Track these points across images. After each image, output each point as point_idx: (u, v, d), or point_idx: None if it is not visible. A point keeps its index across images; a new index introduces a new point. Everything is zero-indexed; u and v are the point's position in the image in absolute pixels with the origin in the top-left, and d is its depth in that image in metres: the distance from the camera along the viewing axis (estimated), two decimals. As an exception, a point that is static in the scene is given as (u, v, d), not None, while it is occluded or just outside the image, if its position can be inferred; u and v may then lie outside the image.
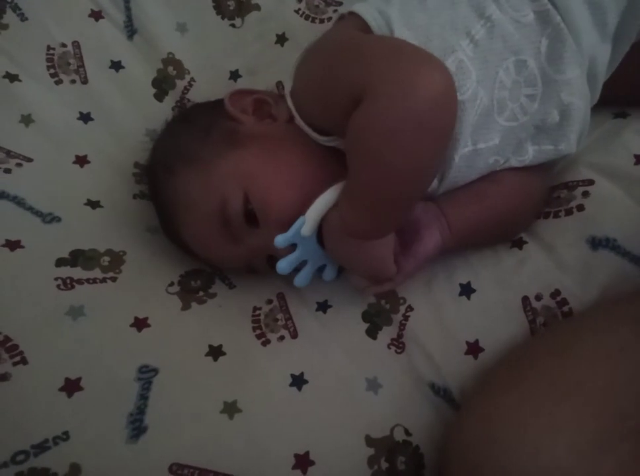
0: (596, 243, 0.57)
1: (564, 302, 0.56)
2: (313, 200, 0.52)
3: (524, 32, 0.54)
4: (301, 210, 0.53)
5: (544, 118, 0.56)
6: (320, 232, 0.54)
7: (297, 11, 0.75)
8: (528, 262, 0.59)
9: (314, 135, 0.56)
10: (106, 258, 0.62)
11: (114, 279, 0.61)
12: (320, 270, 0.59)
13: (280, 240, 0.53)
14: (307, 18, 0.75)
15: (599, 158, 0.62)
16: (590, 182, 0.60)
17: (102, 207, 0.67)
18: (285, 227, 0.53)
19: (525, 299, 0.57)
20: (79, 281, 0.59)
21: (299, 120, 0.57)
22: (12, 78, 0.71)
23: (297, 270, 0.56)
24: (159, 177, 0.61)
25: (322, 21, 0.75)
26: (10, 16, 0.72)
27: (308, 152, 0.56)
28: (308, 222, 0.52)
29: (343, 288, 0.60)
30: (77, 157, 0.70)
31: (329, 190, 0.52)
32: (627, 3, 0.55)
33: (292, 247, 0.54)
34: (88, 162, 0.70)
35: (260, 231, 0.56)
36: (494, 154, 0.57)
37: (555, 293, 0.56)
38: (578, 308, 0.55)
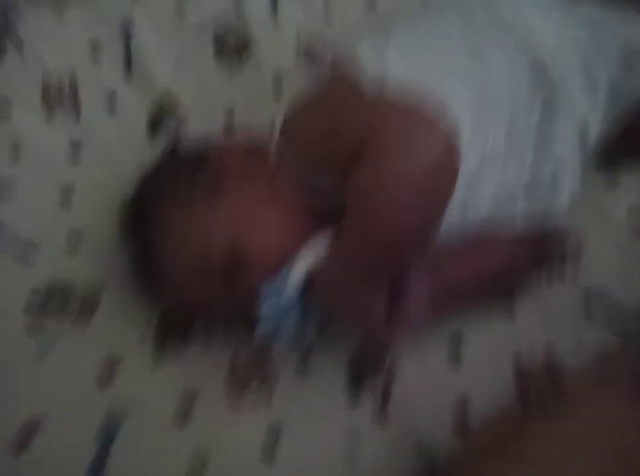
0: (590, 296, 0.56)
1: (555, 364, 0.54)
2: (300, 251, 0.51)
3: (519, 86, 0.54)
4: (287, 258, 0.51)
5: (537, 172, 0.55)
6: (306, 284, 0.52)
7: (295, 57, 0.74)
8: (521, 319, 0.57)
9: (303, 178, 0.55)
10: (82, 292, 0.60)
11: (89, 318, 0.58)
12: (303, 325, 0.55)
13: (264, 292, 0.51)
14: (303, 64, 0.74)
15: (591, 214, 0.60)
16: (582, 236, 0.59)
17: (84, 240, 0.65)
18: (269, 277, 0.51)
19: (516, 355, 0.55)
20: (51, 317, 0.57)
21: (287, 163, 0.56)
22: (5, 103, 0.71)
23: (278, 324, 0.54)
24: (142, 219, 0.59)
25: (320, 62, 0.74)
26: (8, 45, 0.73)
27: (295, 199, 0.55)
28: (294, 274, 0.51)
29: (328, 347, 0.58)
30: (64, 187, 0.68)
31: (316, 242, 0.51)
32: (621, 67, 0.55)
33: (275, 300, 0.52)
34: (74, 193, 0.68)
35: (242, 280, 0.54)
36: (485, 209, 0.55)
37: (548, 350, 0.54)
38: (573, 371, 0.53)
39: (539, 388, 0.53)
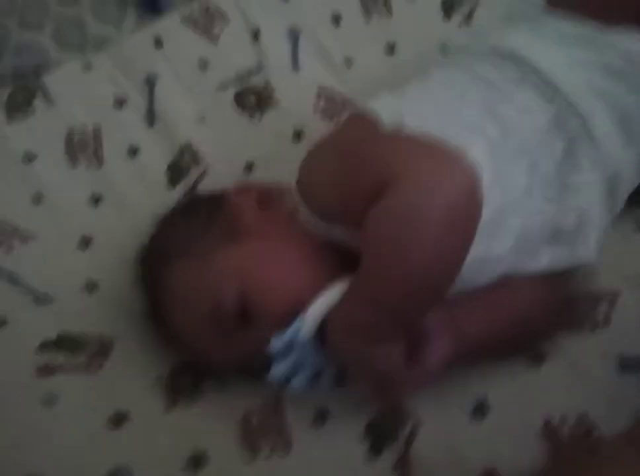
0: (625, 363, 0.52)
1: (591, 427, 0.50)
2: (312, 300, 0.49)
3: (538, 134, 0.53)
4: (299, 310, 0.49)
5: (560, 221, 0.54)
6: (319, 334, 0.50)
7: (314, 111, 0.75)
8: (550, 380, 0.54)
9: (317, 227, 0.54)
10: (94, 344, 0.59)
11: (98, 369, 0.57)
12: (317, 377, 0.53)
13: (276, 343, 0.49)
14: (324, 116, 0.75)
15: (624, 268, 0.58)
16: (616, 294, 0.56)
17: (100, 290, 0.65)
18: (281, 327, 0.49)
19: (546, 424, 0.51)
20: (61, 368, 0.55)
21: (303, 209, 0.55)
22: (32, 157, 0.72)
23: (291, 375, 0.52)
24: (154, 268, 0.58)
25: (338, 122, 0.75)
26: (38, 99, 0.75)
27: (309, 248, 0.54)
28: (307, 324, 0.49)
29: (347, 395, 0.55)
30: (83, 237, 0.69)
31: (330, 290, 0.49)
32: None
33: (287, 351, 0.50)
34: (93, 243, 0.69)
35: (254, 331, 0.52)
36: (506, 257, 0.54)
37: (582, 416, 0.51)
38: (607, 435, 0.49)
39: (570, 451, 0.50)
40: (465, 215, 0.45)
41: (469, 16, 0.77)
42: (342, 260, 0.51)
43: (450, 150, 0.46)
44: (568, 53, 0.56)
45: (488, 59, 0.58)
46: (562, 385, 0.53)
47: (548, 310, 0.56)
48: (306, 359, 0.51)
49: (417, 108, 0.54)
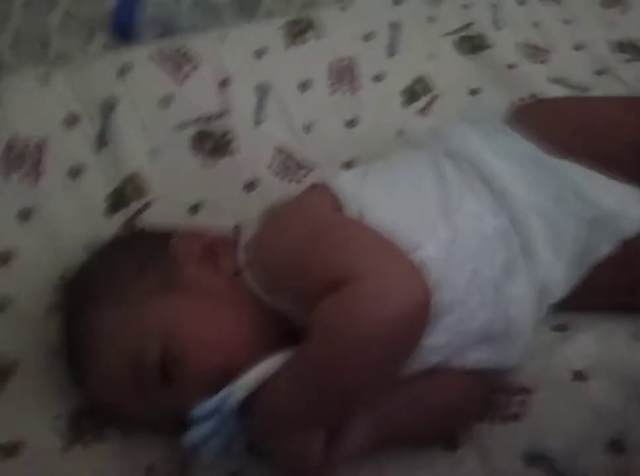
0: (531, 459, 0.54)
1: None
2: (245, 369, 0.47)
3: (483, 243, 0.56)
4: (226, 375, 0.48)
5: (490, 327, 0.56)
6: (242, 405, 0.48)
7: (269, 166, 0.76)
8: (460, 468, 0.55)
9: (260, 293, 0.54)
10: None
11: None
12: (230, 444, 0.51)
13: (200, 410, 0.47)
14: (276, 175, 0.76)
15: (538, 368, 0.60)
16: (528, 391, 0.58)
17: (7, 312, 0.60)
18: (202, 388, 0.48)
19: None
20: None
21: (246, 275, 0.54)
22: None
23: (205, 441, 0.49)
24: (79, 303, 0.56)
25: (290, 181, 0.76)
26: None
27: (246, 312, 0.53)
28: (235, 395, 0.47)
29: (257, 464, 0.53)
30: (3, 252, 0.65)
31: (264, 363, 0.48)
32: (585, 232, 0.58)
33: (208, 417, 0.47)
34: (13, 260, 0.65)
35: (174, 389, 0.50)
36: (436, 353, 0.55)
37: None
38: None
39: None
40: (412, 328, 0.46)
41: (426, 107, 0.82)
42: (280, 329, 0.51)
43: (408, 257, 0.48)
44: (523, 171, 0.59)
45: (448, 158, 0.61)
46: (473, 473, 0.54)
47: (468, 403, 0.58)
48: (224, 427, 0.48)
49: (376, 199, 0.56)
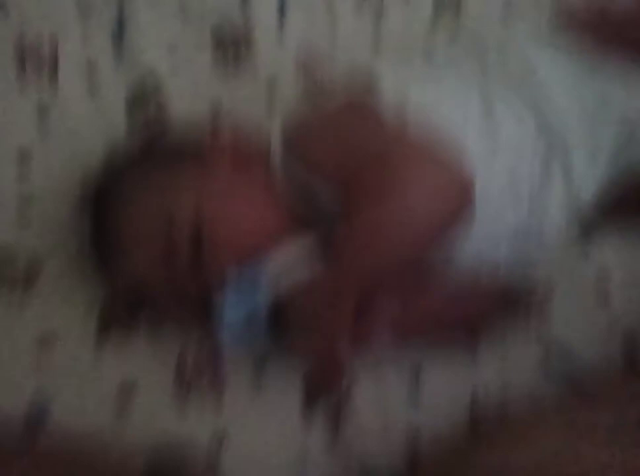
0: (550, 351, 0.57)
1: (510, 405, 0.55)
2: (273, 250, 0.49)
3: (522, 144, 0.55)
4: (256, 252, 0.49)
5: (522, 229, 0.57)
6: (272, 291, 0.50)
7: (294, 63, 0.73)
8: (481, 359, 0.57)
9: (297, 172, 0.54)
10: (24, 260, 0.54)
11: (26, 291, 0.55)
12: (253, 323, 0.53)
13: (228, 290, 0.49)
14: (303, 72, 0.73)
15: (563, 267, 0.62)
16: (551, 289, 0.61)
17: (34, 205, 0.61)
18: (230, 263, 0.49)
19: (474, 396, 0.55)
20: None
21: (278, 157, 0.55)
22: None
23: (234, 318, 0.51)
24: (106, 187, 0.56)
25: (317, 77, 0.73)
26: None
27: (277, 194, 0.54)
28: (263, 277, 0.49)
29: (284, 352, 0.55)
30: (23, 150, 0.64)
31: (292, 246, 0.49)
32: (625, 138, 0.57)
33: (237, 295, 0.49)
34: (32, 157, 0.64)
35: (201, 262, 0.51)
36: (466, 252, 0.56)
37: (503, 393, 0.55)
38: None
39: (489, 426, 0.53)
40: (452, 225, 0.49)
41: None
42: (314, 220, 0.52)
43: (452, 155, 0.48)
44: (567, 71, 0.57)
45: (490, 53, 0.59)
46: (491, 368, 0.57)
47: (493, 299, 0.60)
48: (251, 309, 0.50)
49: (422, 90, 0.55)
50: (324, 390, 0.55)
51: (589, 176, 0.57)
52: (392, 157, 0.49)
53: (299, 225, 0.52)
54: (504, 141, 0.54)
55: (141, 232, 0.52)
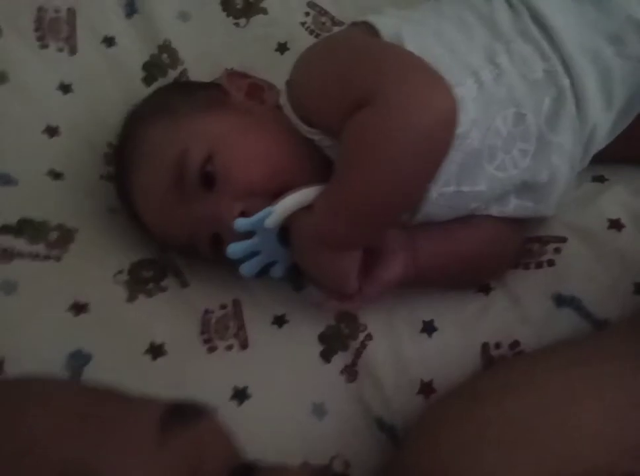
0: (561, 301, 0.57)
1: (521, 353, 0.54)
2: (284, 192, 0.50)
3: (530, 87, 0.54)
4: (265, 184, 0.51)
5: (533, 175, 0.56)
6: (282, 228, 0.51)
7: (302, 24, 0.74)
8: (492, 310, 0.58)
9: (300, 124, 0.55)
10: (55, 233, 0.59)
11: (58, 258, 0.57)
12: (270, 265, 0.55)
13: (241, 223, 0.50)
14: (311, 32, 0.74)
15: (574, 218, 0.61)
16: (563, 240, 0.60)
17: (64, 180, 0.64)
18: (242, 197, 0.51)
19: (484, 346, 0.55)
20: (20, 254, 0.55)
21: (288, 108, 0.56)
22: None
23: (246, 258, 0.52)
24: (129, 126, 0.59)
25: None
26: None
27: (287, 139, 0.55)
28: (275, 214, 0.50)
29: (303, 304, 0.58)
30: (48, 126, 0.67)
31: (304, 190, 0.50)
32: (636, 77, 0.56)
33: (248, 234, 0.51)
34: (59, 134, 0.67)
35: (213, 196, 0.52)
36: (476, 200, 0.56)
37: (514, 344, 0.55)
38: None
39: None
40: (438, 139, 0.46)
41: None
42: (318, 164, 0.53)
43: (438, 76, 0.47)
44: (580, 9, 0.56)
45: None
46: (502, 315, 0.57)
47: (505, 250, 0.59)
48: (264, 246, 0.52)
49: (419, 35, 0.54)
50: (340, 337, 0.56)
51: (600, 116, 0.56)
52: (378, 75, 0.47)
53: (308, 170, 0.53)
54: (506, 83, 0.53)
55: (156, 164, 0.54)
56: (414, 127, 0.45)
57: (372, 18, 0.55)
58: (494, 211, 0.58)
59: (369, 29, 0.55)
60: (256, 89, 0.59)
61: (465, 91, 0.52)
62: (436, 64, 0.50)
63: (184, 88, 0.61)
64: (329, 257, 0.50)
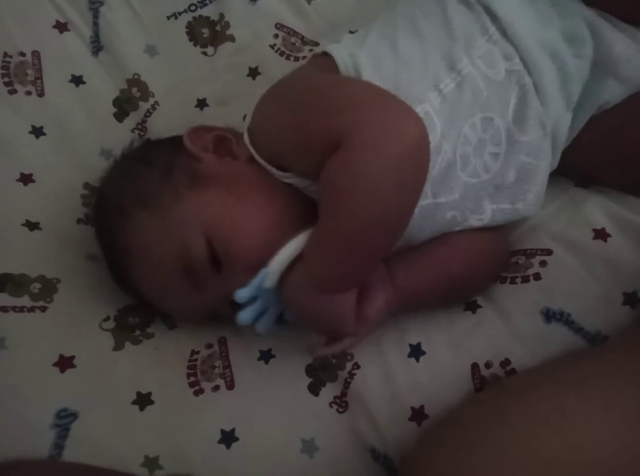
0: (550, 315, 0.56)
1: (512, 372, 0.54)
2: (279, 244, 0.50)
3: (494, 89, 0.54)
4: (268, 251, 0.50)
5: (504, 177, 0.56)
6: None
7: (272, 46, 0.73)
8: (481, 328, 0.57)
9: (274, 171, 0.54)
10: (37, 285, 0.58)
11: (43, 309, 0.57)
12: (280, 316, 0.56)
13: (242, 294, 0.50)
14: (282, 54, 0.73)
15: (559, 228, 0.61)
16: (549, 252, 0.59)
17: (41, 229, 0.63)
18: (252, 269, 0.50)
19: (474, 366, 0.55)
20: (4, 309, 0.55)
21: (257, 157, 0.55)
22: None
23: (258, 318, 0.53)
24: (111, 221, 0.57)
25: (297, 59, 0.73)
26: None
27: (272, 192, 0.54)
28: (271, 275, 0.50)
29: (289, 338, 0.57)
30: (22, 174, 0.66)
31: (293, 241, 0.50)
32: (589, 76, 0.56)
33: (253, 298, 0.51)
34: (34, 181, 0.66)
35: (224, 276, 0.53)
36: (452, 209, 0.56)
37: (505, 363, 0.54)
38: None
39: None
40: (414, 168, 0.46)
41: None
42: (304, 206, 0.52)
43: (400, 104, 0.47)
44: (537, 8, 0.56)
45: (447, 12, 0.56)
46: (492, 333, 0.56)
47: (488, 264, 0.59)
48: (270, 303, 0.52)
49: (375, 58, 0.54)
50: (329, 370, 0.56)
51: (564, 113, 0.56)
52: (342, 115, 0.47)
53: (296, 215, 0.53)
54: (469, 90, 0.53)
55: (157, 263, 0.53)
56: (389, 160, 0.44)
57: (330, 48, 0.55)
58: (473, 221, 0.57)
59: (329, 59, 0.54)
60: (223, 142, 0.58)
61: (429, 106, 0.52)
62: (396, 84, 0.50)
63: (154, 165, 0.57)
64: (328, 301, 0.49)
